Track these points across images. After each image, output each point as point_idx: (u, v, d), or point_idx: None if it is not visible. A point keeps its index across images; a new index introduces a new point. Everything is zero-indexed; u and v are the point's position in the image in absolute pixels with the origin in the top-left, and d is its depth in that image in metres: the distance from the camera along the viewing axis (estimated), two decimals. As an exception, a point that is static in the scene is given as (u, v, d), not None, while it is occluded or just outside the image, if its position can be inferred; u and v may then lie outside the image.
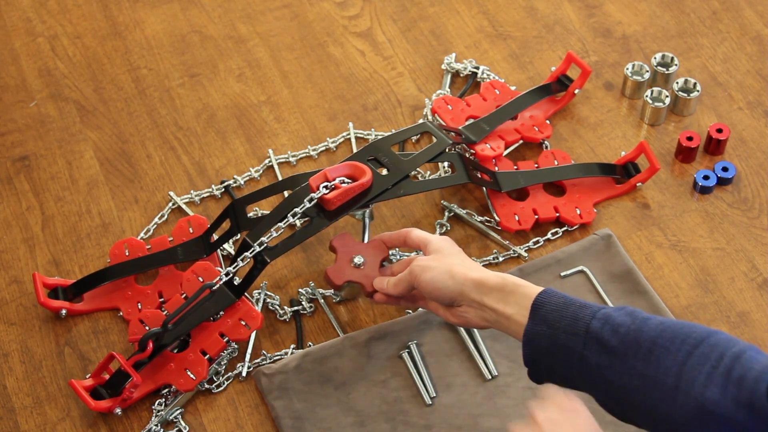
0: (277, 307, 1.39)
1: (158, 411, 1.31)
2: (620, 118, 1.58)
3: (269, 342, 1.37)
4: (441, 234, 1.45)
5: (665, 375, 1.02)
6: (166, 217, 1.49)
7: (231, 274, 1.34)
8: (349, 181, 1.37)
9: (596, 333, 1.06)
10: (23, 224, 1.48)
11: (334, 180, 1.36)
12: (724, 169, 1.50)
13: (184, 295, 1.37)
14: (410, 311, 1.39)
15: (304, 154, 1.55)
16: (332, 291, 1.40)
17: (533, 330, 1.11)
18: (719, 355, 1.00)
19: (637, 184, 1.49)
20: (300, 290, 1.41)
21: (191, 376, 1.31)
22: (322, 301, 1.40)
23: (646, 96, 1.56)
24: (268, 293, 1.40)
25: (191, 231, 1.44)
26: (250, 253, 1.34)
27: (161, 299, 1.39)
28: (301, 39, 1.68)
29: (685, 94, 1.56)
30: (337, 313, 1.40)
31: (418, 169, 1.50)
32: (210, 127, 1.58)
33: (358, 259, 1.34)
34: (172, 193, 1.51)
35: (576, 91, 1.57)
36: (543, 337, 1.10)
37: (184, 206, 1.49)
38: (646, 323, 1.05)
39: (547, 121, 1.56)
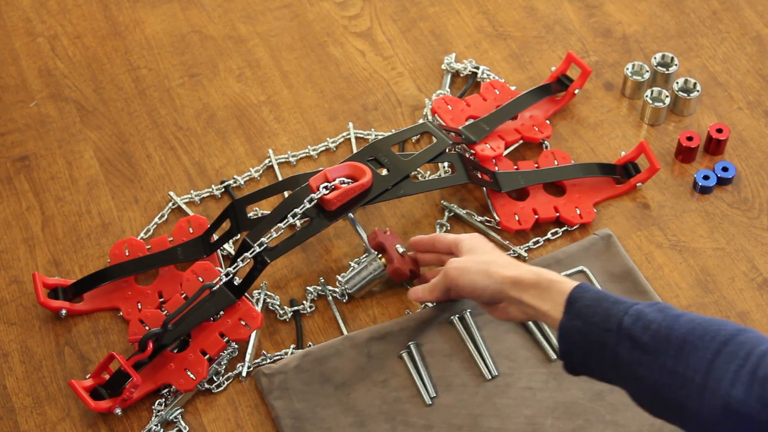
0: (277, 307, 1.39)
1: (158, 411, 1.31)
2: (620, 118, 1.58)
3: (269, 342, 1.37)
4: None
5: (694, 372, 1.02)
6: (166, 217, 1.49)
7: (231, 275, 1.34)
8: (349, 181, 1.37)
9: (628, 329, 1.07)
10: (23, 224, 1.48)
11: (334, 180, 1.36)
12: (724, 169, 1.50)
13: (184, 295, 1.37)
14: (410, 311, 1.39)
15: (304, 154, 1.55)
16: (339, 290, 1.40)
17: (568, 325, 1.12)
18: (746, 353, 1.00)
19: (637, 184, 1.49)
20: (308, 288, 1.40)
21: (191, 376, 1.31)
22: (330, 298, 1.40)
23: (646, 96, 1.56)
24: (268, 293, 1.40)
25: (191, 231, 1.44)
26: (250, 253, 1.34)
27: (161, 299, 1.39)
28: (301, 39, 1.68)
29: (685, 94, 1.56)
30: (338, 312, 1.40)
31: (418, 169, 1.50)
32: (210, 127, 1.58)
33: (400, 248, 1.37)
34: (172, 193, 1.51)
35: (576, 91, 1.57)
36: (577, 332, 1.11)
37: (184, 206, 1.49)
38: (677, 320, 1.06)
39: (547, 121, 1.56)
